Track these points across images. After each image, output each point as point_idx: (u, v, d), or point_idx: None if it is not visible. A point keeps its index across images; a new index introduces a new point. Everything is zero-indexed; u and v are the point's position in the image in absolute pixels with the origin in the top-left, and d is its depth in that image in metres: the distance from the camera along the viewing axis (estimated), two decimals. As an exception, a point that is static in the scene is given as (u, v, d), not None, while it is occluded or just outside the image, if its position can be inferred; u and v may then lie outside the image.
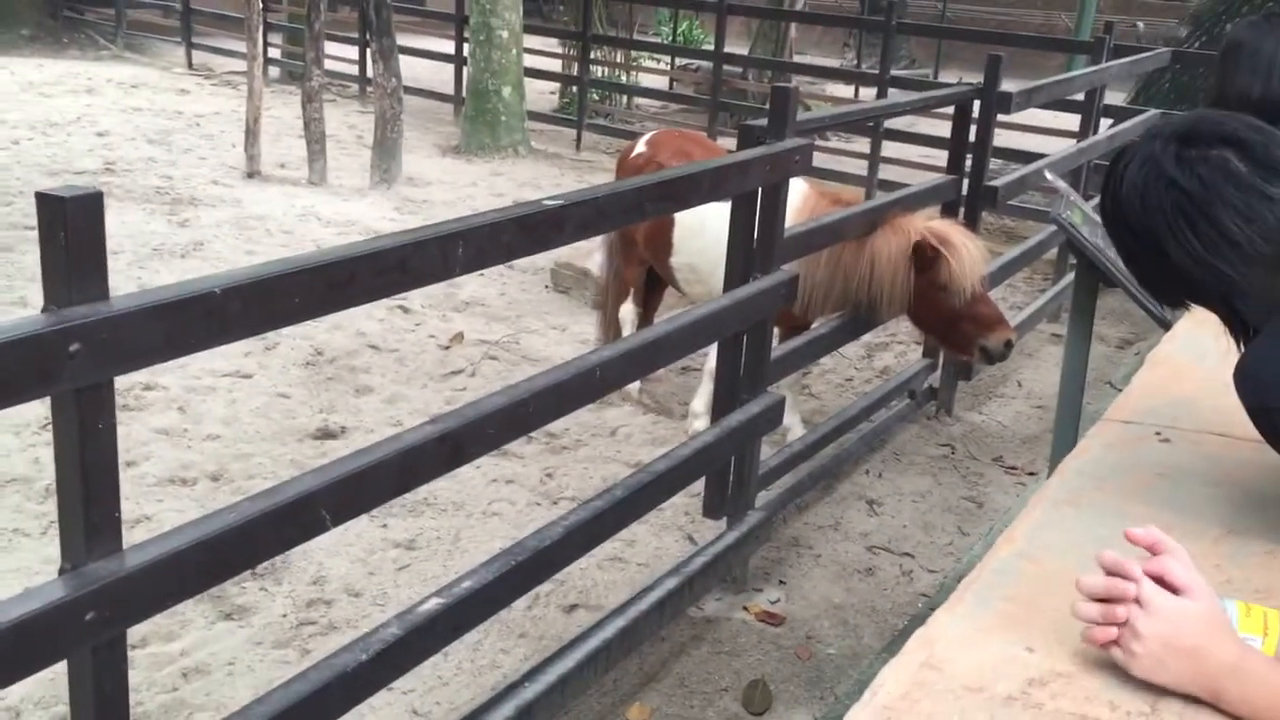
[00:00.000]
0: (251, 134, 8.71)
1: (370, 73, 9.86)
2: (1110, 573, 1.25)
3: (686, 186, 2.99)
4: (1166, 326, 2.79)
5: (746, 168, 3.24)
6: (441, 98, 12.27)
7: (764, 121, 3.48)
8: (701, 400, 4.85)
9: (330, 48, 12.74)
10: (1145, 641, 1.21)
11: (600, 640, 3.05)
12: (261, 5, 8.85)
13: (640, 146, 5.23)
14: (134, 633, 3.32)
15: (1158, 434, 2.01)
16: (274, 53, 13.92)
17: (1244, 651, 1.21)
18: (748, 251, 3.46)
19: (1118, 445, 1.99)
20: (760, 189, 3.39)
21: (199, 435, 4.65)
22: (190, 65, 14.16)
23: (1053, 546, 1.59)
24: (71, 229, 1.64)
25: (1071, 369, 3.12)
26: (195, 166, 9.04)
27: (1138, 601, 1.21)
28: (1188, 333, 2.73)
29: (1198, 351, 2.52)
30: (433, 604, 2.42)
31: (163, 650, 3.33)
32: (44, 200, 1.65)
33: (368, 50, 12.69)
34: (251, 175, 8.79)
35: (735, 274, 3.46)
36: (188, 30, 14.33)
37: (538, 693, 2.78)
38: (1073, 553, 1.57)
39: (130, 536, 1.85)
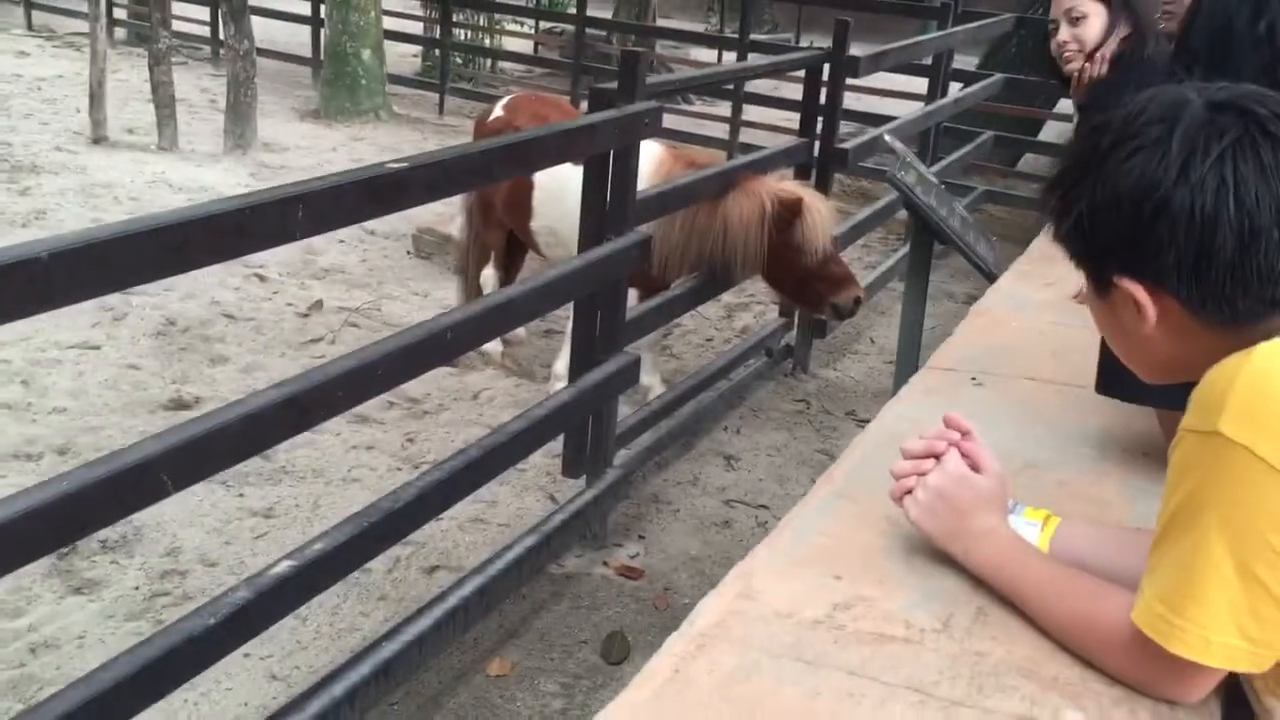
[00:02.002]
0: (96, 98, 8.38)
1: (222, 34, 9.55)
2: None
3: (535, 149, 3.02)
4: (993, 279, 2.94)
5: (596, 131, 3.28)
6: (299, 60, 11.97)
7: (615, 85, 3.53)
8: (563, 362, 4.89)
9: (179, 8, 12.33)
10: (928, 490, 1.38)
11: (458, 599, 3.09)
12: (102, -38, 8.49)
13: (498, 110, 5.23)
14: (-24, 611, 3.24)
15: (973, 379, 2.14)
16: (120, 13, 13.39)
17: (1000, 524, 1.37)
18: (601, 213, 3.51)
19: (936, 390, 2.11)
20: (611, 152, 3.44)
21: (44, 409, 4.50)
22: (30, 26, 13.51)
23: (868, 486, 1.69)
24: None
25: (909, 321, 3.27)
26: (37, 132, 8.65)
27: (938, 461, 1.39)
28: (1010, 286, 2.89)
29: (1017, 302, 2.67)
30: (283, 566, 2.43)
31: (9, 626, 3.25)
32: None
33: (219, 11, 12.36)
34: (97, 141, 8.46)
35: (589, 236, 3.51)
36: (26, -11, 13.65)
37: (395, 651, 2.81)
38: (886, 490, 1.67)
39: (-41, 506, 1.82)
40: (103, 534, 3.62)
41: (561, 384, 4.85)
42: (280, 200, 2.18)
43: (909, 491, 1.41)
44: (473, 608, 3.14)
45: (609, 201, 3.50)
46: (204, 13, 12.52)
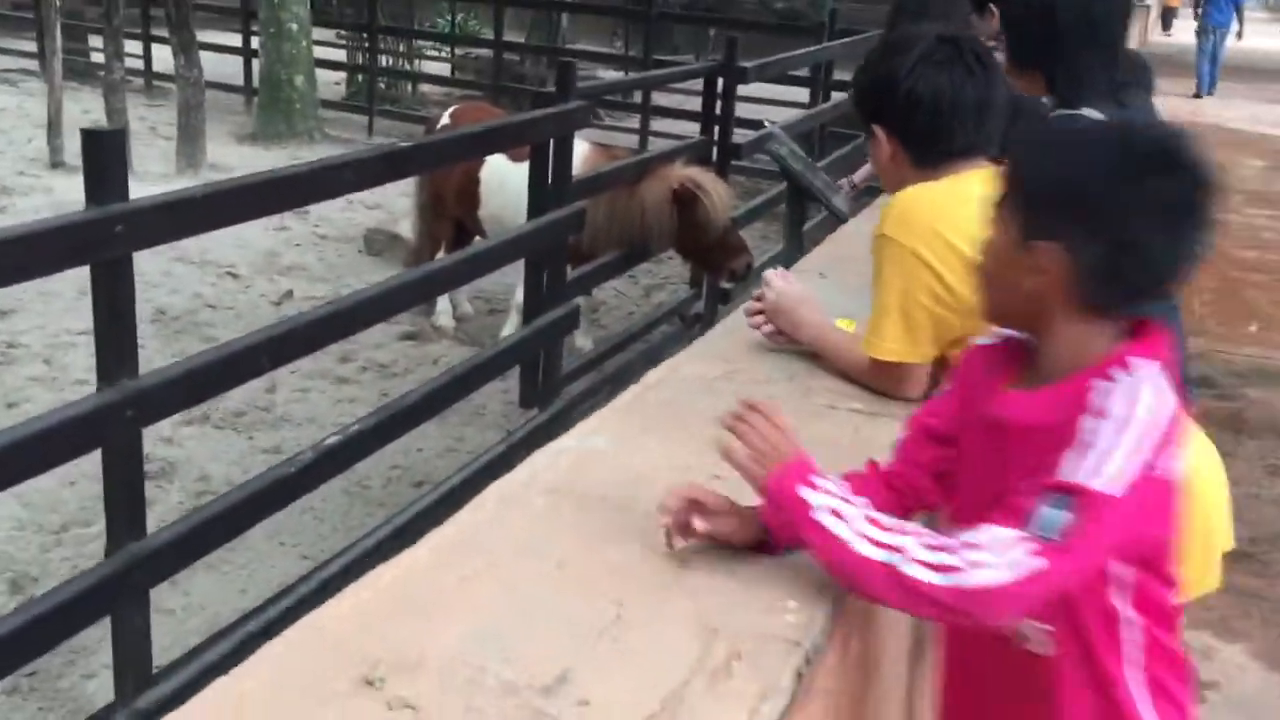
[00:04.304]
0: (54, 125, 9.06)
1: (172, 66, 10.25)
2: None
3: (499, 135, 3.95)
4: (844, 221, 3.93)
5: (541, 122, 4.22)
6: (229, 89, 12.68)
7: (553, 89, 4.48)
8: (509, 329, 5.80)
9: (99, 41, 12.94)
10: (777, 311, 2.26)
11: (432, 500, 3.92)
12: (59, 2, 9.19)
13: (445, 119, 6.13)
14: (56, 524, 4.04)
15: (820, 274, 3.10)
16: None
17: (827, 322, 2.29)
18: (544, 190, 4.44)
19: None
20: (551, 140, 4.38)
21: (68, 381, 5.28)
22: (-40, 63, 14.00)
23: (686, 382, 2.56)
24: None
25: (787, 260, 4.24)
26: (-5, 159, 9.30)
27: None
28: (854, 226, 3.87)
29: (860, 234, 3.64)
30: (332, 440, 3.30)
31: (85, 532, 4.05)
32: None
33: (151, 45, 13.02)
34: (56, 165, 9.13)
35: (535, 208, 4.44)
36: (-45, 28, 14.12)
37: (388, 534, 3.61)
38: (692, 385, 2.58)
39: (139, 369, 2.68)
40: (151, 464, 4.42)
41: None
42: (335, 165, 3.07)
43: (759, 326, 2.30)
44: (441, 507, 3.98)
45: (550, 180, 4.44)
46: (137, 47, 13.13)
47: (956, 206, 1.94)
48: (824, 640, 1.46)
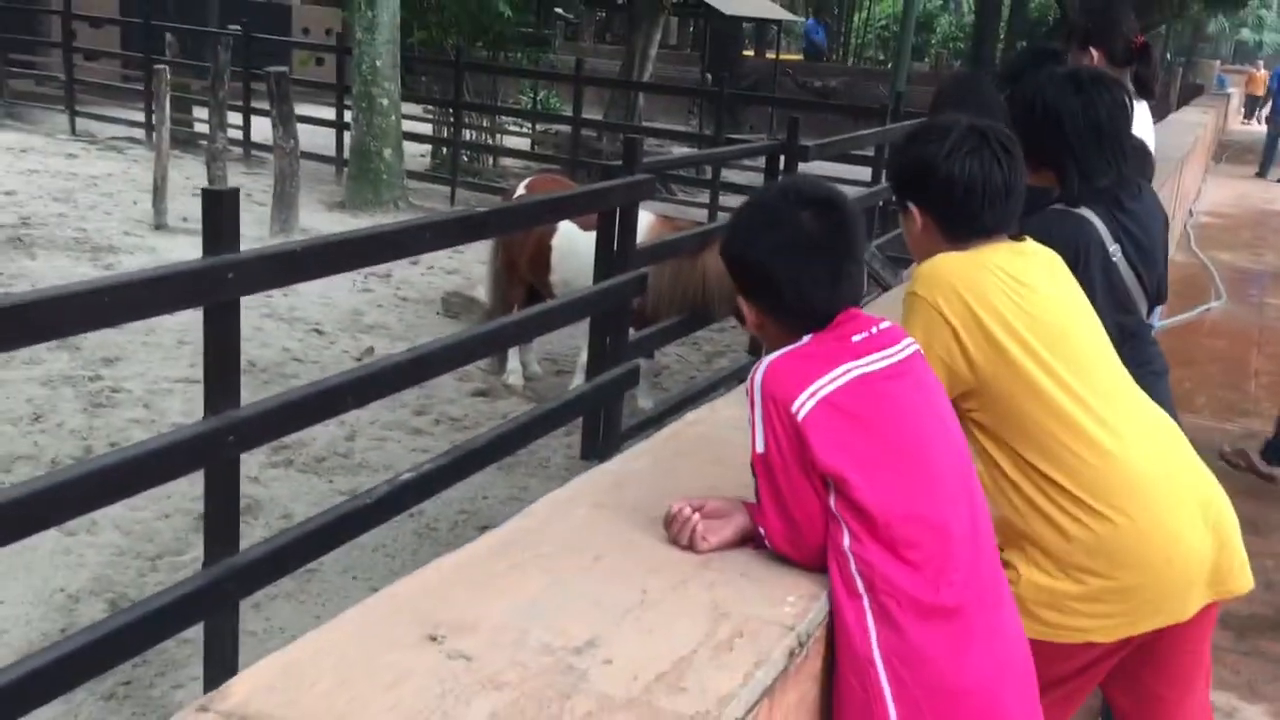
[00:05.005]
0: (159, 190, 9.68)
1: (269, 137, 10.89)
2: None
3: (570, 203, 4.29)
4: (888, 288, 4.18)
5: (610, 192, 4.55)
6: (321, 159, 13.35)
7: (620, 163, 4.82)
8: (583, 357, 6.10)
9: (201, 112, 13.73)
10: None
11: None
12: (169, 76, 9.86)
13: (521, 189, 6.52)
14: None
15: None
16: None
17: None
18: (610, 255, 4.76)
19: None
20: (619, 209, 4.71)
21: (165, 424, 5.67)
22: (74, 131, 14.90)
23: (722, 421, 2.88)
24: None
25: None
26: (104, 220, 9.94)
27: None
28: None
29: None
30: (406, 475, 3.61)
31: (180, 559, 4.39)
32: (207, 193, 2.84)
33: (248, 117, 13.78)
34: (158, 227, 9.74)
35: (601, 272, 4.76)
36: (71, 98, 15.07)
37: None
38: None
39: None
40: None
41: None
42: (416, 226, 3.41)
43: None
44: None
45: (616, 246, 4.76)
46: (235, 118, 13.90)
47: (978, 273, 2.19)
48: (816, 629, 1.71)
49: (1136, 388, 2.32)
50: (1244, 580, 2.24)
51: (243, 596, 3.06)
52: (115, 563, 4.33)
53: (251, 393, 6.23)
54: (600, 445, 5.04)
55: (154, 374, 6.24)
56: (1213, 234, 12.73)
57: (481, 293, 7.65)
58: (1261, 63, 42.07)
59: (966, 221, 2.29)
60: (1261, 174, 18.38)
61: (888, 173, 2.47)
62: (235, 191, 2.88)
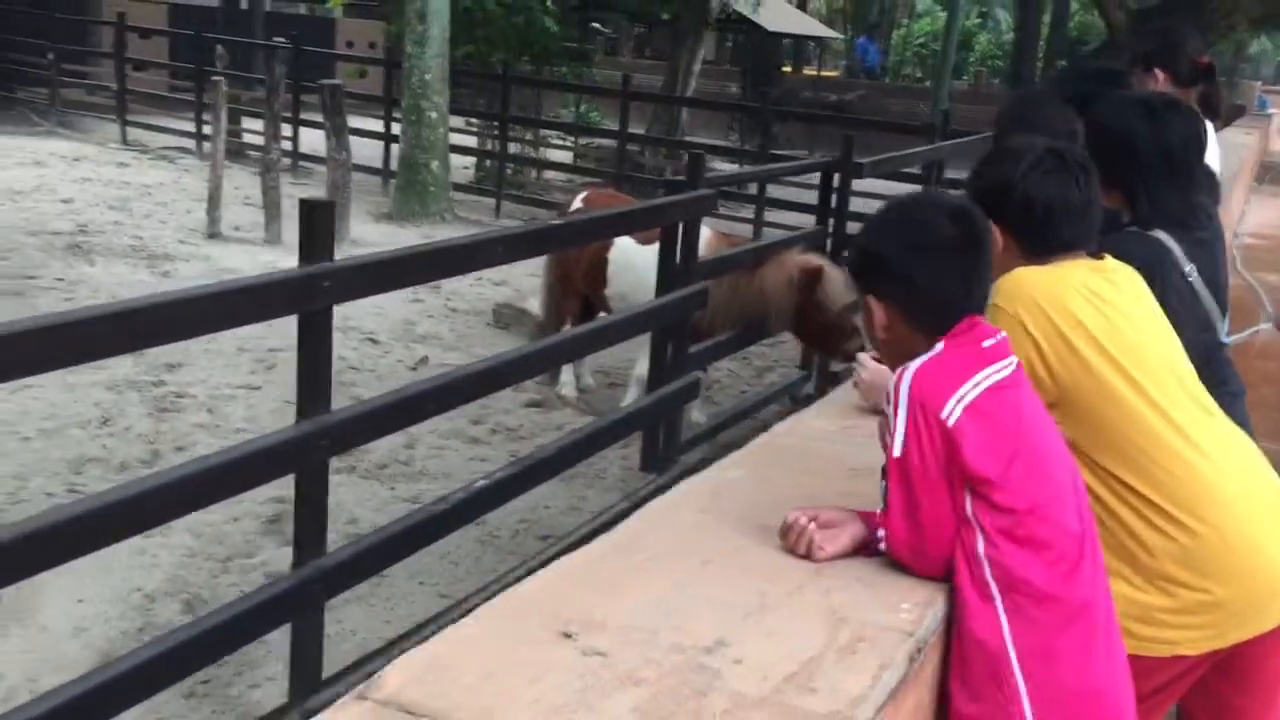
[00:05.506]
0: (214, 199, 9.83)
1: (316, 148, 11.06)
2: None
3: (635, 218, 4.35)
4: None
5: (673, 207, 4.61)
6: (369, 170, 13.50)
7: (683, 178, 4.88)
8: (629, 402, 6.16)
9: (249, 123, 13.94)
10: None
11: (555, 550, 4.27)
12: (226, 88, 10.03)
13: (576, 203, 6.59)
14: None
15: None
16: (207, 129, 15.00)
17: None
18: (673, 268, 4.82)
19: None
20: (681, 224, 4.77)
21: (229, 429, 5.78)
22: (125, 141, 15.14)
23: (809, 433, 2.92)
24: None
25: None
26: (159, 229, 10.10)
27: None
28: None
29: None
30: (480, 483, 3.67)
31: (248, 562, 4.48)
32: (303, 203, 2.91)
33: (297, 129, 13.94)
34: (212, 236, 9.90)
35: (665, 285, 4.81)
36: (123, 108, 15.32)
37: (515, 580, 3.97)
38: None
39: (329, 407, 3.08)
40: (301, 506, 4.86)
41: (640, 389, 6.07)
42: (489, 240, 3.48)
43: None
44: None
45: (679, 260, 4.81)
46: (285, 129, 14.08)
47: (1059, 286, 2.23)
48: (931, 636, 1.75)
49: (1215, 405, 2.35)
50: None
51: (329, 598, 3.13)
52: (188, 564, 4.42)
53: (310, 400, 6.34)
54: (659, 457, 5.09)
55: (215, 380, 6.35)
56: (1258, 255, 12.63)
57: (533, 304, 7.72)
58: (1303, 83, 41.76)
59: (1046, 239, 2.34)
60: None
61: (967, 194, 2.51)
62: (331, 204, 2.96)
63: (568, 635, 1.58)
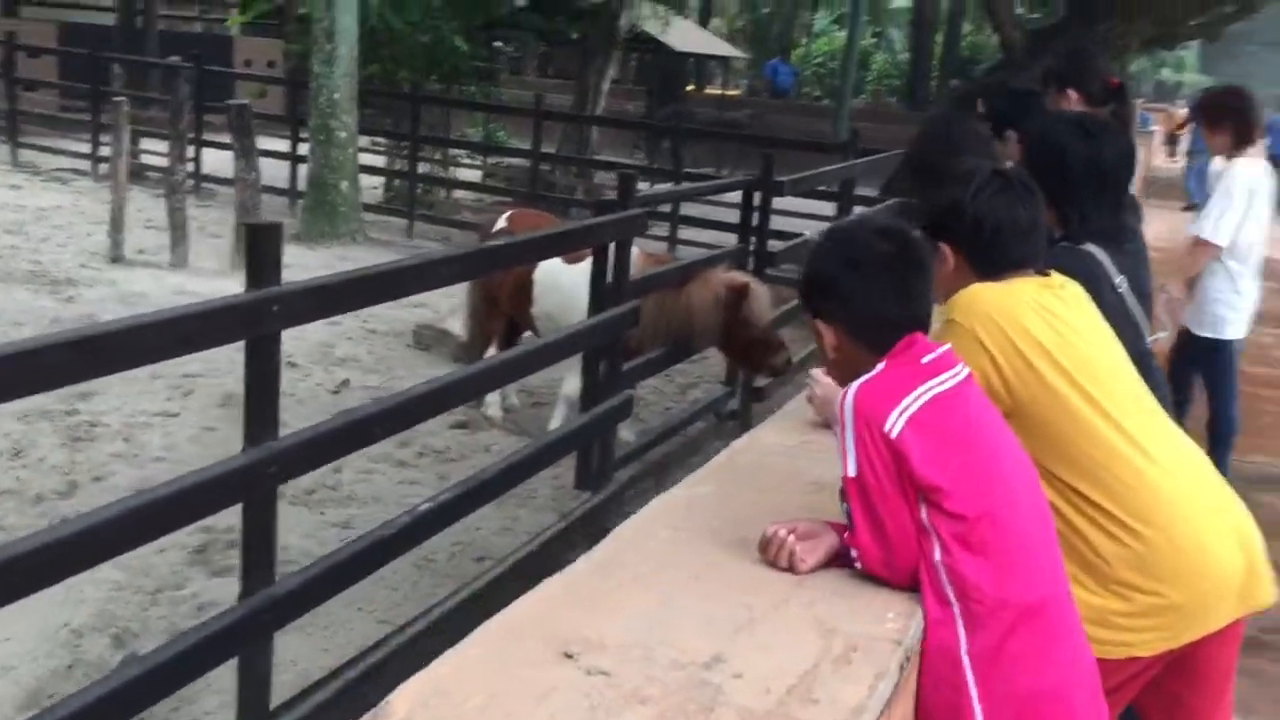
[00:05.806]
0: (116, 222, 9.57)
1: (219, 169, 10.84)
2: None
3: (567, 238, 4.36)
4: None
5: (604, 227, 4.64)
6: (276, 191, 13.24)
7: (613, 198, 4.91)
8: (558, 421, 6.15)
9: (148, 143, 13.62)
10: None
11: (493, 576, 4.20)
12: (128, 107, 9.78)
13: (501, 223, 6.57)
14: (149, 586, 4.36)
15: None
16: (103, 150, 14.60)
17: None
18: (604, 288, 4.84)
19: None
20: (612, 244, 4.79)
21: (147, 458, 5.62)
22: (15, 162, 14.64)
23: (767, 449, 2.97)
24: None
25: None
26: (58, 253, 9.79)
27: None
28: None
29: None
30: (424, 507, 3.63)
31: (178, 594, 4.36)
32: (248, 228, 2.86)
33: (200, 149, 13.64)
34: (115, 260, 9.62)
35: (598, 304, 4.83)
36: (13, 129, 14.82)
37: (457, 603, 3.88)
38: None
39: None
40: (229, 536, 4.74)
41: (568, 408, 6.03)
42: (440, 259, 3.46)
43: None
44: (505, 579, 4.24)
45: (610, 280, 4.83)
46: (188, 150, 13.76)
47: (1012, 302, 2.31)
48: (917, 644, 1.79)
49: (1161, 410, 2.45)
50: (1270, 593, 2.38)
51: (279, 628, 3.07)
52: (115, 598, 4.29)
53: (230, 426, 6.19)
54: (594, 475, 5.10)
55: (130, 408, 6.17)
56: (1153, 265, 13.15)
57: (454, 325, 7.68)
58: (1182, 102, 43.52)
59: (996, 258, 2.42)
60: (1191, 208, 18.99)
61: (920, 218, 2.59)
62: (278, 226, 2.91)
63: (569, 655, 1.59)
